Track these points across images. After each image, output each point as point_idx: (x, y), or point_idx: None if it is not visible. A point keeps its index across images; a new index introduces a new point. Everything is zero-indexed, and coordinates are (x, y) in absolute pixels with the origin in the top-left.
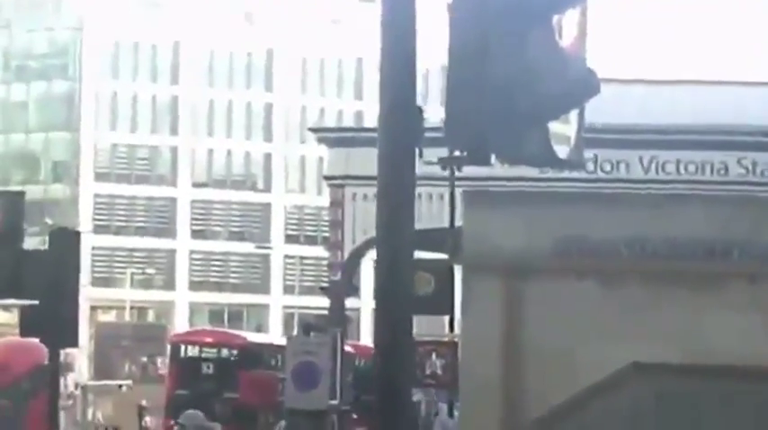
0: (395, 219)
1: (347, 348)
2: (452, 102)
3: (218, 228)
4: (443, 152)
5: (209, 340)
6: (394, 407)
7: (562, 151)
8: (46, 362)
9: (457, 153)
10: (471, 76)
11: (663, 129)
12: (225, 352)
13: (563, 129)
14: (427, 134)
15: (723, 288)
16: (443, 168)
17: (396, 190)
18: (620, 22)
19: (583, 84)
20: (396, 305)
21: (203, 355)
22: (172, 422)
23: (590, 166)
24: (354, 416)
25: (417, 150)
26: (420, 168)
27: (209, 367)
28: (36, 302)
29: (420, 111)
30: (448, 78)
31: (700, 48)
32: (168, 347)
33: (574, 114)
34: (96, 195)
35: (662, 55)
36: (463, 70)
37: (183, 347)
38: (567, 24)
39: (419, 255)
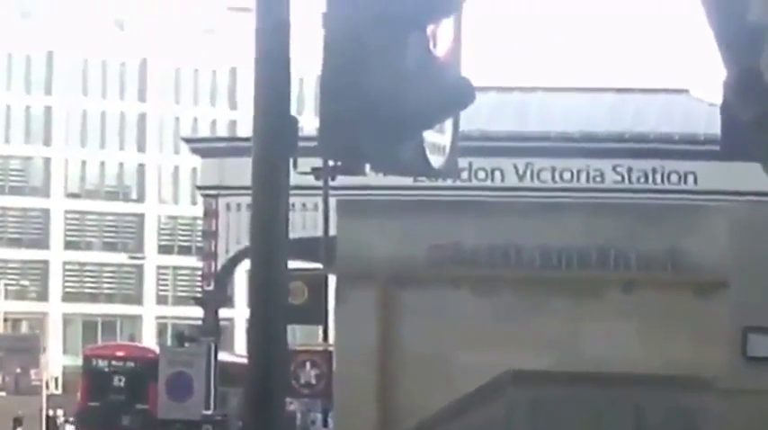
0: (268, 228)
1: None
2: (326, 111)
3: (91, 239)
4: (319, 162)
5: (120, 353)
6: (267, 417)
7: (437, 160)
8: None
9: (331, 162)
10: (345, 84)
11: (537, 136)
12: (135, 364)
13: (438, 139)
14: (302, 143)
15: (599, 296)
16: (317, 178)
17: (269, 200)
18: (496, 30)
19: (457, 92)
20: (270, 315)
21: (114, 368)
22: None
23: (464, 175)
24: None
25: (291, 160)
26: (294, 178)
27: (120, 379)
28: None
29: (294, 120)
30: (321, 87)
31: (575, 55)
32: (81, 360)
33: (448, 123)
34: None
35: (538, 62)
36: (337, 79)
37: (94, 361)
38: (441, 33)
39: (293, 264)
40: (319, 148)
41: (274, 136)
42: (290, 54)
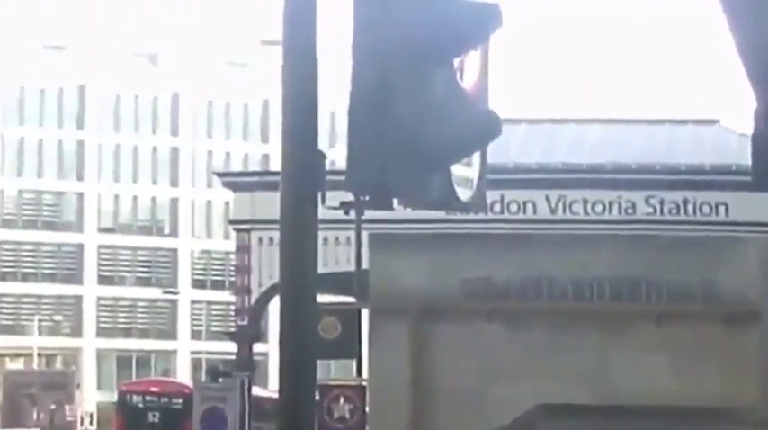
0: (297, 263)
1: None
2: (354, 145)
3: (125, 274)
4: (349, 196)
5: (154, 389)
6: None
7: (464, 194)
8: None
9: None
10: (372, 119)
11: (569, 168)
12: (170, 400)
13: (465, 172)
14: (333, 177)
15: (630, 328)
16: (346, 212)
17: (298, 234)
18: (525, 62)
19: (484, 126)
20: (298, 349)
21: (149, 404)
22: None
23: (496, 207)
24: None
25: (320, 194)
26: (326, 212)
27: (154, 415)
28: None
29: (322, 155)
30: (349, 121)
31: (606, 86)
32: (116, 396)
33: (476, 156)
34: (2, 242)
35: (568, 94)
36: (364, 113)
37: (129, 397)
38: (468, 66)
39: (327, 298)
40: (347, 183)
41: (302, 171)
42: (319, 88)
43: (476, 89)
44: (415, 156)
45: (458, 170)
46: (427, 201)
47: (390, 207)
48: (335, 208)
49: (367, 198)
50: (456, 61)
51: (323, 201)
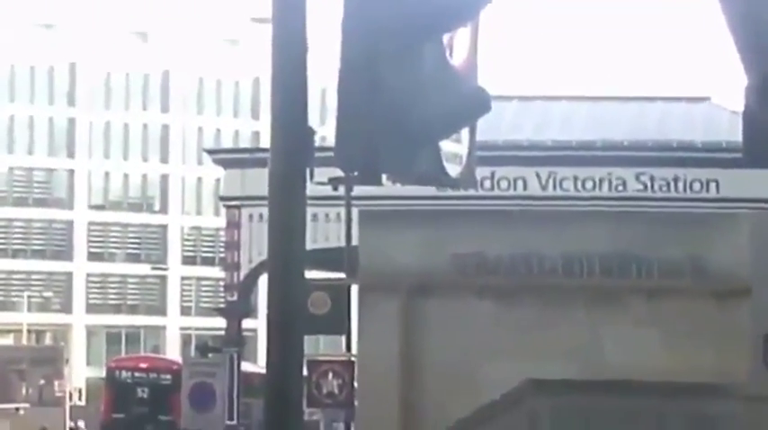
0: (286, 239)
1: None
2: (343, 121)
3: (115, 250)
4: (340, 172)
5: (143, 365)
6: (285, 426)
7: (454, 170)
8: None
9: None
10: (361, 95)
11: (560, 145)
12: (159, 376)
13: (454, 148)
14: (324, 154)
15: (621, 304)
16: (335, 188)
17: (286, 210)
18: (518, 39)
19: (473, 102)
20: (286, 325)
21: (137, 380)
22: None
23: (487, 184)
24: None
25: (308, 170)
26: (317, 188)
27: (143, 391)
28: None
29: (311, 131)
30: (338, 98)
31: (597, 64)
32: (105, 372)
33: (465, 133)
34: None
35: (560, 71)
36: (353, 90)
37: (118, 373)
38: (458, 42)
39: (317, 274)
40: (336, 159)
41: (291, 147)
42: (310, 64)
43: (465, 65)
44: (404, 132)
45: (447, 146)
46: (416, 176)
47: (379, 182)
48: (324, 183)
49: (356, 174)
50: (445, 38)
51: (311, 177)
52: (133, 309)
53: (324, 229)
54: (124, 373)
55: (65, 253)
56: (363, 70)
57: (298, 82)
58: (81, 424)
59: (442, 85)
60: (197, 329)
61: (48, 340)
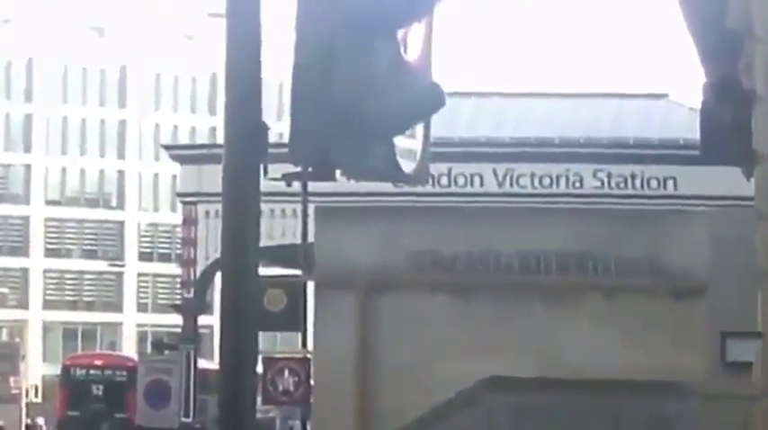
0: (239, 235)
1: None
2: (296, 116)
3: (71, 247)
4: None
5: (98, 362)
6: (237, 424)
7: (408, 166)
8: None
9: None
10: (315, 90)
11: (517, 141)
12: (114, 373)
13: (408, 144)
14: (279, 150)
15: (578, 301)
16: (288, 184)
17: (240, 206)
18: (473, 36)
19: (428, 97)
20: (239, 321)
21: (93, 377)
22: None
23: (444, 180)
24: None
25: (262, 166)
26: (273, 184)
27: (98, 388)
28: None
29: (264, 126)
30: (292, 93)
31: (554, 60)
32: (60, 370)
33: (420, 128)
34: None
35: (516, 68)
36: (307, 85)
37: (73, 370)
38: (412, 38)
39: (273, 271)
40: (290, 154)
41: (245, 142)
42: (261, 60)
43: (420, 62)
44: (358, 128)
45: (401, 142)
46: (370, 172)
47: (333, 178)
48: (278, 179)
49: (310, 169)
50: (400, 33)
51: (265, 173)
52: (90, 306)
53: (280, 226)
54: (79, 370)
55: (21, 249)
56: (317, 66)
57: (251, 77)
58: (40, 420)
59: (396, 81)
60: (153, 326)
61: (4, 336)
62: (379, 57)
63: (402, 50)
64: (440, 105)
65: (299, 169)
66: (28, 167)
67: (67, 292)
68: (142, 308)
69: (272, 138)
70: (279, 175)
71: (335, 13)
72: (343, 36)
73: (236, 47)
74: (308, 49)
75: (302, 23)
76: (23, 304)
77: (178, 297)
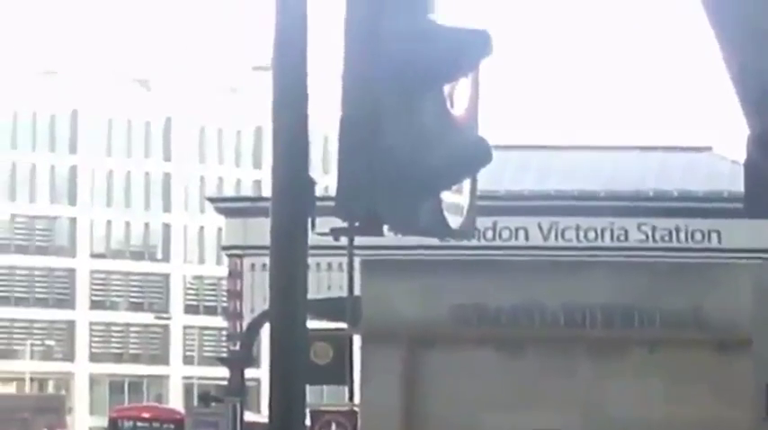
0: (287, 288)
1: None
2: (344, 171)
3: (117, 299)
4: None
5: (146, 415)
6: None
7: (455, 221)
8: None
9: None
10: (362, 144)
11: (561, 194)
12: (161, 426)
13: (456, 199)
14: (327, 203)
15: (623, 354)
16: (336, 239)
17: (288, 260)
18: (520, 90)
19: (474, 153)
20: (288, 375)
21: None
22: None
23: (489, 234)
24: None
25: (310, 220)
26: (319, 238)
27: None
28: None
29: (311, 181)
30: (339, 148)
31: (599, 114)
32: (107, 423)
33: (466, 183)
34: None
35: (562, 121)
36: (354, 139)
37: (120, 422)
38: (458, 93)
39: (319, 324)
40: (337, 210)
41: (292, 196)
42: (312, 112)
43: (466, 116)
44: (405, 184)
45: (448, 197)
46: (417, 227)
47: (381, 233)
48: (326, 234)
49: (357, 224)
50: (446, 88)
51: (313, 227)
52: (136, 358)
53: (326, 279)
54: (127, 423)
55: (67, 301)
56: (364, 120)
57: (299, 130)
58: None
59: (443, 136)
60: (200, 379)
61: (50, 389)
62: (426, 111)
63: (449, 105)
64: (487, 160)
65: (346, 224)
66: (73, 220)
67: (113, 345)
68: (188, 360)
69: (318, 192)
70: (326, 229)
71: (382, 66)
72: (391, 90)
73: (282, 100)
74: (355, 103)
75: (349, 76)
76: (69, 357)
77: (224, 349)
